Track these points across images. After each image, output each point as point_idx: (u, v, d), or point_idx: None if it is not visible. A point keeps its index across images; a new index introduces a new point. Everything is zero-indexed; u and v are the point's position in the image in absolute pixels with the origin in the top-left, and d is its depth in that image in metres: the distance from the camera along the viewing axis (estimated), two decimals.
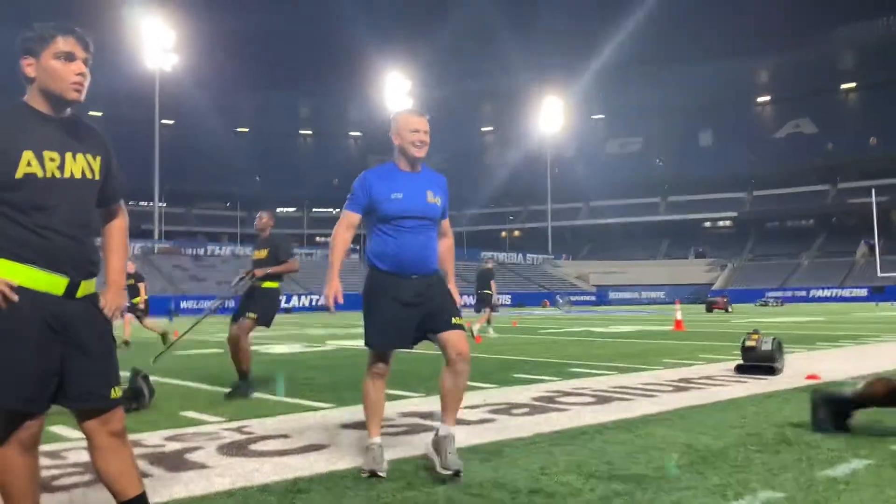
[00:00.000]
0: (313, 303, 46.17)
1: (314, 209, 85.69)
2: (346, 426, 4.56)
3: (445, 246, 3.65)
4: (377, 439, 3.39)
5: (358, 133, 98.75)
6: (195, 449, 3.91)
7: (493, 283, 14.87)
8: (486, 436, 4.12)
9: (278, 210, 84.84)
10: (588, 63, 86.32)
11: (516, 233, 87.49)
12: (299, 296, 47.12)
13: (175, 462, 3.61)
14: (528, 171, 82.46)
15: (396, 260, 3.37)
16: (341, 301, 3.39)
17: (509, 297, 55.77)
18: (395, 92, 66.61)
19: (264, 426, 4.58)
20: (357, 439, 4.10)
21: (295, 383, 6.93)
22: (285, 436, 4.26)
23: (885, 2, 79.90)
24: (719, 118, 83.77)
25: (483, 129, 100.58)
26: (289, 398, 5.88)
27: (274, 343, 13.44)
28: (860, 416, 4.21)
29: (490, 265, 15.50)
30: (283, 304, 43.98)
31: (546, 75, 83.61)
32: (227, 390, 6.02)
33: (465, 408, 4.65)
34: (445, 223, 3.64)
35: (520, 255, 71.13)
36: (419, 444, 3.90)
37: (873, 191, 54.61)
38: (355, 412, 5.06)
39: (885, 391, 4.05)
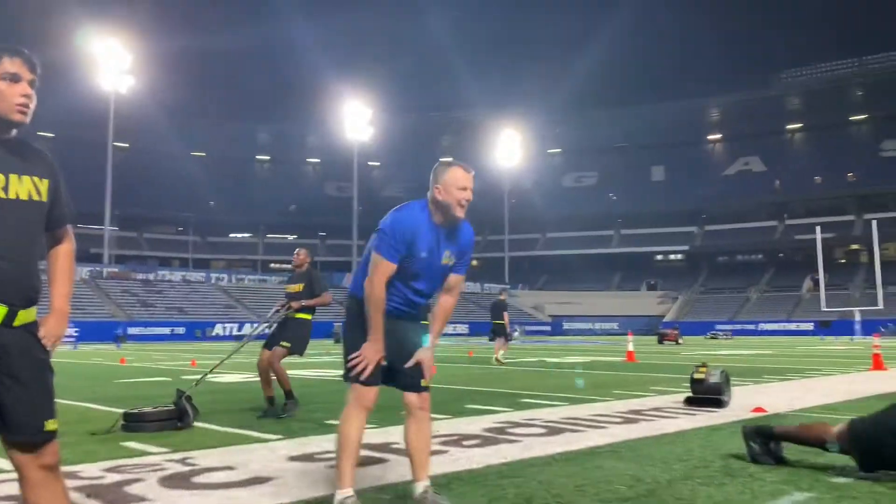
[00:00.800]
0: (265, 332, 45.44)
1: (269, 235, 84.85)
2: (294, 458, 4.47)
3: (445, 303, 3.30)
4: (352, 492, 3.01)
5: (316, 160, 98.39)
6: (135, 481, 3.79)
7: (505, 314, 16.04)
8: (436, 468, 4.08)
9: (231, 235, 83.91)
10: (545, 99, 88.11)
11: (474, 262, 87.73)
12: (252, 323, 46.38)
13: (113, 495, 3.49)
14: (486, 201, 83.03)
15: (392, 308, 3.14)
16: (384, 363, 3.09)
17: (467, 326, 55.79)
18: (356, 120, 66.69)
19: (209, 458, 4.47)
20: (305, 472, 4.03)
21: (243, 414, 6.79)
22: (231, 468, 4.16)
23: (830, 48, 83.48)
24: (671, 155, 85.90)
25: (442, 159, 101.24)
26: (236, 429, 5.75)
27: (225, 372, 13.16)
28: (802, 450, 4.30)
29: (503, 297, 16.83)
30: (235, 332, 43.10)
31: (504, 109, 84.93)
32: (260, 412, 6.52)
33: None
34: (456, 279, 3.28)
35: (477, 284, 71.40)
36: (371, 477, 3.85)
37: (818, 228, 56.38)
38: (304, 444, 4.99)
39: (816, 438, 4.10)
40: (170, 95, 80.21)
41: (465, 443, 4.98)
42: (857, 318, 50.51)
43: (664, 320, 61.25)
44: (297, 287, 6.90)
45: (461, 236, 3.25)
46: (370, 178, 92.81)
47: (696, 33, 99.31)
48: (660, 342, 32.59)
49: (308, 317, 6.93)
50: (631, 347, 17.84)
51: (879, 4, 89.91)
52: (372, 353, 3.03)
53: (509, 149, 77.47)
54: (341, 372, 3.22)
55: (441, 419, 6.24)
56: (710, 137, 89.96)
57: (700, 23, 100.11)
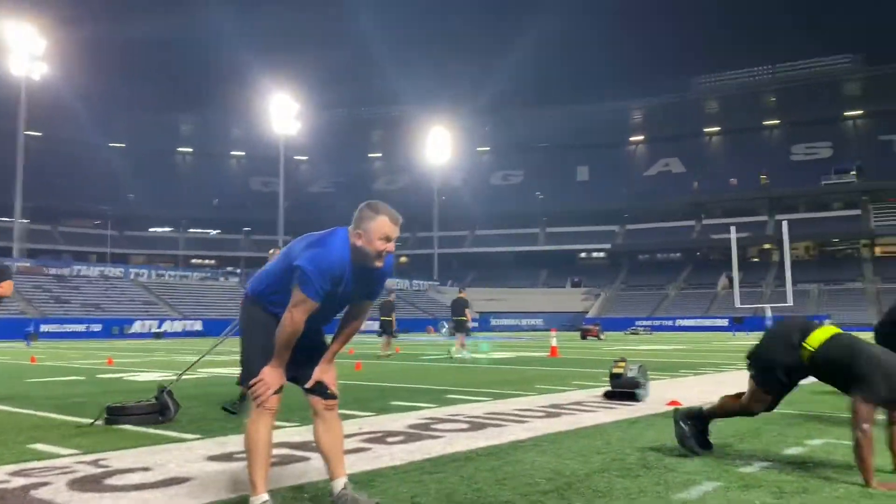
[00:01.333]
0: (186, 328, 44.24)
1: (191, 230, 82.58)
2: (212, 458, 4.38)
3: (351, 326, 3.22)
4: (266, 497, 2.95)
5: (241, 153, 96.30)
6: (43, 485, 3.63)
7: (467, 310, 17.32)
8: (359, 465, 4.07)
9: (151, 230, 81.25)
10: (474, 98, 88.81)
11: (403, 259, 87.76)
12: (172, 320, 45.08)
13: (18, 500, 3.34)
14: (415, 198, 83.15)
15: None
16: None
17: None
18: (282, 113, 65.54)
19: (123, 459, 4.33)
20: (224, 472, 3.95)
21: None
22: (146, 469, 4.04)
23: (745, 55, 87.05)
24: (595, 155, 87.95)
25: (371, 155, 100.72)
26: (152, 429, 5.59)
27: (141, 370, 12.77)
28: (714, 441, 4.49)
29: (464, 294, 17.90)
30: (153, 330, 41.71)
31: (434, 106, 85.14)
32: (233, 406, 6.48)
33: None
34: (367, 304, 3.22)
35: (406, 280, 71.35)
36: (290, 476, 3.81)
37: (733, 228, 58.73)
38: (223, 443, 4.89)
39: (737, 405, 4.36)
40: (87, 83, 77.05)
41: (388, 440, 4.98)
42: (769, 314, 52.81)
43: (587, 316, 62.71)
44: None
45: (379, 274, 3.08)
46: (297, 172, 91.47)
47: (620, 37, 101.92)
48: (582, 338, 33.34)
49: None
50: (554, 343, 18.18)
51: (792, 14, 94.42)
52: (274, 379, 2.95)
53: (439, 146, 77.68)
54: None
55: (365, 416, 6.23)
56: (633, 139, 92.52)
57: (623, 27, 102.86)
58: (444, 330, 41.90)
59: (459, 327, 17.52)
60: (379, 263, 2.97)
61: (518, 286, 74.19)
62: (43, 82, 52.26)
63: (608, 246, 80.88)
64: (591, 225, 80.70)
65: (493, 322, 62.28)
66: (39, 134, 75.62)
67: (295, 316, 2.89)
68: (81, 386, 9.89)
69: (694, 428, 4.42)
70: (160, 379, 10.70)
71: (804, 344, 3.97)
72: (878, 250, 73.48)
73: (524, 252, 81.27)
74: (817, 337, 3.97)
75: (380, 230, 2.94)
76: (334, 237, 2.97)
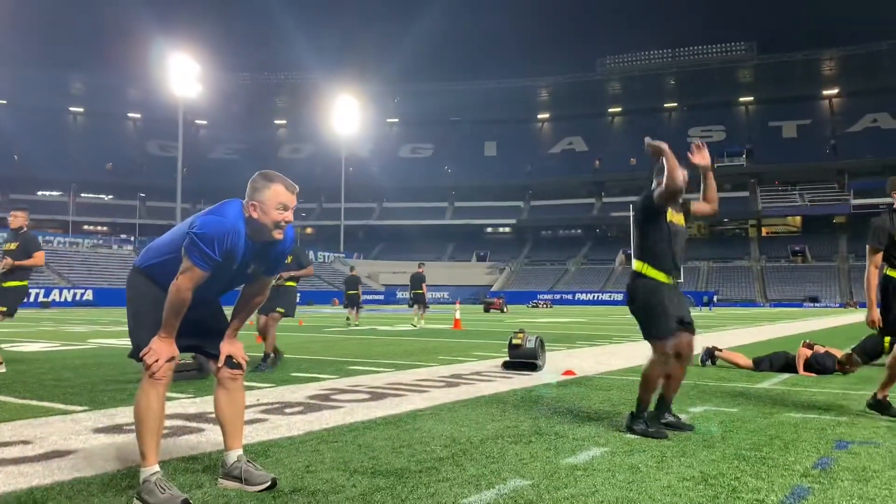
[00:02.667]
0: (77, 297, 42.16)
1: (83, 194, 78.28)
2: (99, 430, 4.21)
3: (252, 301, 3.13)
4: (157, 468, 2.82)
5: (137, 115, 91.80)
6: None
7: (424, 284, 18.38)
8: (254, 436, 4.02)
9: (40, 193, 76.55)
10: (385, 68, 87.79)
11: (308, 230, 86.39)
12: (60, 289, 42.83)
13: None
14: (322, 168, 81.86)
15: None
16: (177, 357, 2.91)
17: (298, 294, 54.94)
18: (182, 75, 62.63)
19: (0, 432, 4.10)
20: (111, 445, 3.82)
21: (44, 384, 6.28)
22: (26, 442, 3.84)
23: (649, 39, 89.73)
24: (503, 131, 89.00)
25: (276, 122, 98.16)
26: (36, 401, 5.31)
27: (26, 340, 12.10)
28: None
29: (421, 269, 18.77)
30: (40, 299, 39.56)
31: (343, 75, 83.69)
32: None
33: None
34: (268, 280, 3.13)
35: (311, 252, 70.35)
36: (184, 447, 3.72)
37: (631, 206, 60.89)
38: (112, 415, 4.72)
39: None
40: None
41: (286, 410, 4.93)
42: None
43: (491, 290, 63.83)
44: (287, 260, 7.25)
45: (276, 250, 2.98)
46: (197, 137, 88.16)
47: (530, 14, 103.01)
48: (486, 311, 33.96)
49: (294, 284, 8.22)
50: (458, 315, 18.43)
51: (694, 1, 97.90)
52: (164, 350, 2.84)
53: (347, 115, 76.45)
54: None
55: (264, 388, 6.14)
56: (540, 116, 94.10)
57: (533, 4, 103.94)
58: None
59: (418, 300, 18.56)
60: (278, 235, 2.86)
61: (425, 259, 74.54)
62: None
63: (513, 221, 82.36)
64: (498, 200, 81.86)
65: (400, 295, 62.38)
66: None
67: (180, 283, 2.78)
68: None
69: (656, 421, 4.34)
70: (45, 349, 10.18)
71: None
72: (764, 230, 78.13)
73: (432, 225, 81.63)
74: None
75: (275, 199, 2.83)
76: (228, 207, 2.86)
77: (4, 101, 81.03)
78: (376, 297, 60.46)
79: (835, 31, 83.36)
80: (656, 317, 4.21)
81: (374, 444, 3.82)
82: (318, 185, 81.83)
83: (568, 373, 7.22)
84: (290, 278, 8.07)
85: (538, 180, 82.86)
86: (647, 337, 4.29)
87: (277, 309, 7.89)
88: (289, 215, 2.86)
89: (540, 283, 69.20)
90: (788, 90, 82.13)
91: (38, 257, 7.54)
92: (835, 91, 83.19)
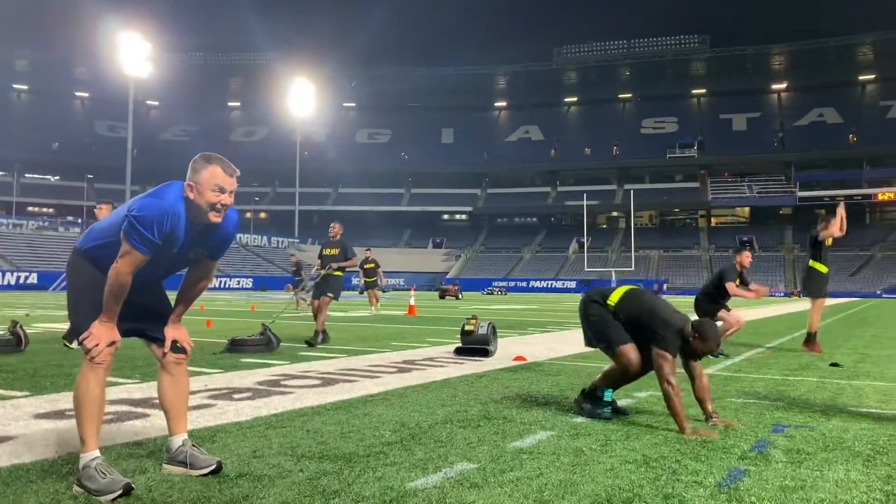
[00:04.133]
0: (20, 280, 40.97)
1: (27, 175, 75.85)
2: (41, 416, 4.12)
3: (197, 286, 3.08)
4: (97, 454, 2.78)
5: (85, 94, 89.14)
6: None
7: (379, 270, 18.60)
8: (201, 422, 3.98)
9: None
10: (342, 50, 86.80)
11: (262, 214, 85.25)
12: (3, 272, 41.54)
13: None
14: (276, 152, 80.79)
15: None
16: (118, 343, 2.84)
17: (251, 280, 54.35)
18: (132, 53, 60.91)
19: None
20: (52, 430, 3.74)
21: None
22: None
23: (605, 29, 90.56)
24: (460, 119, 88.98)
25: (230, 103, 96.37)
26: None
27: None
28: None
29: (370, 253, 19.00)
30: None
31: (299, 56, 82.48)
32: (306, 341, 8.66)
33: None
34: (212, 265, 3.06)
35: (264, 237, 69.53)
36: (128, 432, 3.67)
37: (585, 195, 61.70)
38: (54, 400, 4.62)
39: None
40: None
41: (235, 396, 4.89)
42: (613, 278, 56.22)
43: (447, 277, 64.01)
44: (335, 251, 9.07)
45: (219, 234, 2.92)
46: (148, 118, 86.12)
47: (489, 1, 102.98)
48: (441, 297, 34.07)
49: (341, 273, 9.10)
50: (413, 302, 18.45)
51: None
52: (104, 334, 2.78)
53: (303, 98, 75.41)
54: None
55: (213, 373, 6.07)
56: (497, 104, 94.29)
57: None
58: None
59: (372, 286, 18.61)
60: (215, 218, 2.78)
61: (381, 245, 74.29)
62: None
63: (470, 209, 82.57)
64: (454, 187, 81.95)
65: (355, 281, 62.06)
66: None
67: (120, 267, 2.71)
68: None
69: (592, 402, 4.43)
70: None
71: (607, 302, 4.34)
72: (713, 221, 79.88)
73: (388, 212, 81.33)
74: (614, 297, 4.35)
75: (211, 181, 2.76)
76: (168, 189, 2.79)
77: None
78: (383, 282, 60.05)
79: (784, 27, 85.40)
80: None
81: (323, 430, 3.82)
82: (272, 169, 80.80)
83: (519, 358, 7.31)
84: (339, 268, 9.00)
85: (495, 168, 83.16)
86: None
87: (328, 293, 8.93)
88: (226, 198, 2.79)
89: (495, 270, 69.63)
90: (739, 83, 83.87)
91: None
92: (783, 85, 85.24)
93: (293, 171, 73.42)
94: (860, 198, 68.54)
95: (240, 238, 65.90)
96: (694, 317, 4.41)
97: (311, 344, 8.54)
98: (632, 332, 4.28)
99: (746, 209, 78.15)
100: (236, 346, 7.67)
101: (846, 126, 75.94)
